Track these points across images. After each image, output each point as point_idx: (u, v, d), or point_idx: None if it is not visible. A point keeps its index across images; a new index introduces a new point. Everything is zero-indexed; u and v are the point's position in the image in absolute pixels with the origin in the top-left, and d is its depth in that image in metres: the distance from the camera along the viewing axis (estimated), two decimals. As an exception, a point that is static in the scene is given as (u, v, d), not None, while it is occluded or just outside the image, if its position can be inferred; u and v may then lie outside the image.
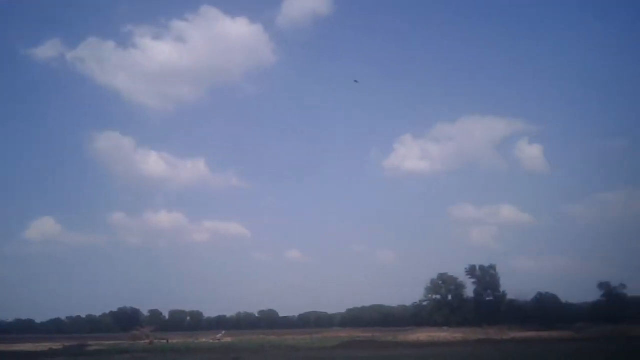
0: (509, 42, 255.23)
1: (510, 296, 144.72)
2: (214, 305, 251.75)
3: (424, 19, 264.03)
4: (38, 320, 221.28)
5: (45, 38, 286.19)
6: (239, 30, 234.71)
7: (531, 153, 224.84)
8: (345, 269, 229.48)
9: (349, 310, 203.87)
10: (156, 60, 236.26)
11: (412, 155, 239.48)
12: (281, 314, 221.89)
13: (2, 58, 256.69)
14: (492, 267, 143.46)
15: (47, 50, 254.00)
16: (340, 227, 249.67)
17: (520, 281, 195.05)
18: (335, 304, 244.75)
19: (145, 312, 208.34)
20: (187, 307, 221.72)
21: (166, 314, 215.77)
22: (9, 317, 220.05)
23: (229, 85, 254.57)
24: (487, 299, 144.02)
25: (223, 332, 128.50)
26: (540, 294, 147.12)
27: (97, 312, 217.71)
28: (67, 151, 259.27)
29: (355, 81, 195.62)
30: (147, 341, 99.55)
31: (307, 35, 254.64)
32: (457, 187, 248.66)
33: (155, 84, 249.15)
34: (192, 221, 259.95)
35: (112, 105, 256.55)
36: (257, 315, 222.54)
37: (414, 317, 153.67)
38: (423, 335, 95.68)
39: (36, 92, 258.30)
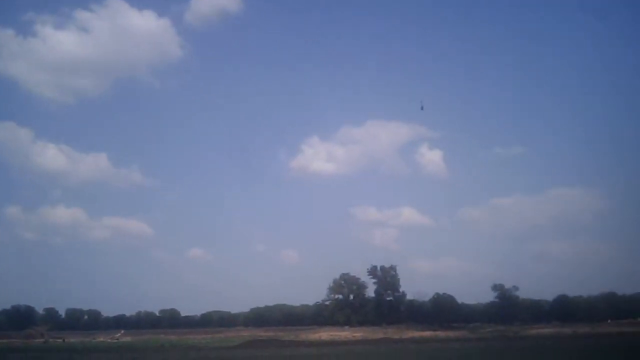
0: (413, 49, 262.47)
1: (409, 296, 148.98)
2: (113, 304, 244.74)
3: (334, 20, 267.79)
4: None
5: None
6: (145, 24, 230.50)
7: (431, 158, 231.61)
8: (249, 268, 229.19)
9: (253, 310, 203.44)
10: (57, 50, 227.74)
11: (318, 157, 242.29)
12: (183, 314, 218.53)
13: None
14: (393, 267, 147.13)
15: None
16: (244, 226, 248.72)
17: (419, 282, 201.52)
18: (238, 303, 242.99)
19: (40, 310, 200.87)
20: (85, 306, 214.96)
21: (62, 313, 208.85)
22: None
23: (133, 79, 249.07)
24: (388, 299, 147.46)
25: (122, 331, 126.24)
26: (438, 294, 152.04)
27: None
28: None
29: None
30: (42, 340, 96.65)
31: (215, 32, 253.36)
32: (361, 189, 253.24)
33: (56, 74, 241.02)
34: (92, 217, 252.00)
35: (8, 94, 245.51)
36: (157, 314, 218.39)
37: (316, 316, 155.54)
38: (325, 334, 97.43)
39: None
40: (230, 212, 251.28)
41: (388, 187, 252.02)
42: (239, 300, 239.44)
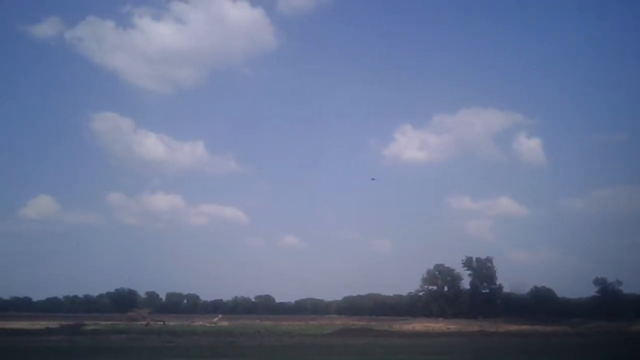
0: (511, 35, 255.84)
1: (506, 289, 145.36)
2: (211, 289, 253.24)
3: (427, 11, 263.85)
4: (35, 298, 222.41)
5: (44, 15, 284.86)
6: (239, 14, 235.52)
7: (529, 146, 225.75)
8: (342, 257, 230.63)
9: (345, 298, 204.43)
10: (155, 42, 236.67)
11: (411, 146, 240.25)
12: (277, 300, 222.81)
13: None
14: (489, 259, 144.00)
15: (45, 28, 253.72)
16: (336, 215, 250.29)
17: (516, 274, 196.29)
18: (331, 291, 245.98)
19: (142, 293, 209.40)
20: (184, 290, 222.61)
21: (163, 296, 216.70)
22: (6, 295, 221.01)
23: (229, 69, 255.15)
24: (483, 291, 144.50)
25: (219, 315, 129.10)
26: (536, 287, 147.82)
27: (95, 292, 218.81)
28: (66, 130, 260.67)
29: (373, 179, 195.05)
30: (144, 323, 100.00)
31: (309, 21, 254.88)
32: (455, 179, 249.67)
33: (155, 65, 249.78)
34: (190, 204, 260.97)
35: (111, 85, 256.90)
36: (253, 300, 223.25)
37: (410, 307, 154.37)
38: (418, 325, 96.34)
39: (34, 71, 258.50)
40: (323, 201, 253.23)
41: (483, 176, 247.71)
42: (331, 288, 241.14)
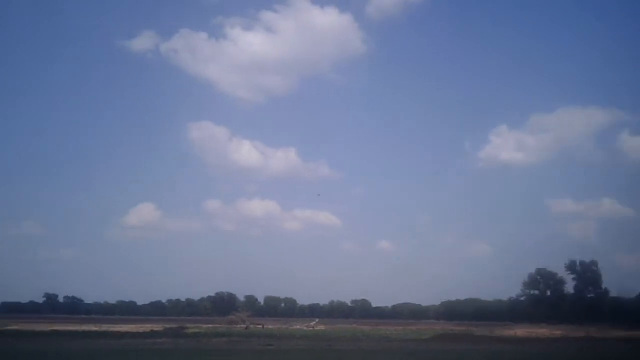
0: (611, 29, 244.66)
1: (612, 294, 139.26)
2: (308, 293, 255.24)
3: (519, 8, 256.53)
4: (140, 302, 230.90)
5: (140, 30, 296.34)
6: (328, 20, 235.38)
7: (634, 144, 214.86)
8: (438, 261, 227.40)
9: (443, 303, 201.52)
10: (247, 51, 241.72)
11: (507, 147, 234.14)
12: (374, 305, 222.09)
13: (100, 50, 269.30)
14: (594, 263, 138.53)
15: (142, 42, 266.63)
16: (431, 219, 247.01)
17: (623, 278, 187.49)
18: (428, 296, 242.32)
19: (241, 297, 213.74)
20: (282, 294, 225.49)
21: (261, 300, 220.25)
22: (113, 300, 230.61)
23: (318, 76, 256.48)
24: (589, 295, 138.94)
25: (316, 320, 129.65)
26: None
27: (196, 296, 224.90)
28: (165, 140, 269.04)
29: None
30: (243, 326, 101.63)
31: (398, 25, 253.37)
32: (555, 180, 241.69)
33: (247, 74, 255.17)
34: (285, 209, 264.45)
35: (206, 95, 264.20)
36: (350, 304, 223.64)
37: (511, 312, 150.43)
38: (521, 331, 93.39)
39: (133, 83, 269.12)
40: (417, 205, 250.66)
41: (585, 177, 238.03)
42: (428, 293, 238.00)
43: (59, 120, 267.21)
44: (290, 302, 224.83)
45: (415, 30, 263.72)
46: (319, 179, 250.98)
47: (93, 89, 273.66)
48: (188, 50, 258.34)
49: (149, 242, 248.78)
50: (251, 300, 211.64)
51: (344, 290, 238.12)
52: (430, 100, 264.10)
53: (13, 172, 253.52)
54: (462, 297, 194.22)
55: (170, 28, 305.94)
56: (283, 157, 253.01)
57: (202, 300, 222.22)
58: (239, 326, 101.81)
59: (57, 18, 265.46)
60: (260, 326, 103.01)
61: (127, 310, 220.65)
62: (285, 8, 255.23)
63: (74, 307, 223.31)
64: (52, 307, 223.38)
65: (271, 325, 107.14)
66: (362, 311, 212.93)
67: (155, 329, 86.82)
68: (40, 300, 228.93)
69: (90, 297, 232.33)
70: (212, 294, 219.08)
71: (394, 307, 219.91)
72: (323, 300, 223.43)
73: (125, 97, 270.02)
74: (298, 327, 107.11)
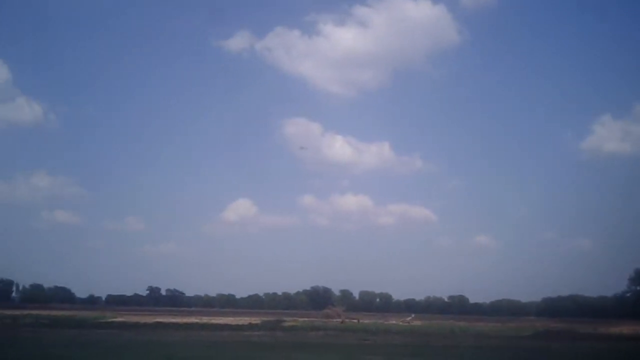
0: None
1: None
2: (403, 288, 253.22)
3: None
4: (238, 295, 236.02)
5: (235, 30, 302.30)
6: (422, 12, 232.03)
7: None
8: (538, 256, 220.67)
9: (544, 300, 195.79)
10: (340, 47, 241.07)
11: (612, 137, 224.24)
12: (472, 300, 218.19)
13: (196, 50, 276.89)
14: None
15: (237, 42, 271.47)
16: (531, 212, 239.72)
17: None
18: (528, 292, 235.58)
19: (336, 291, 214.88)
20: (377, 289, 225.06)
21: (356, 295, 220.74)
22: (213, 292, 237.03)
23: (411, 69, 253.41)
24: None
25: (412, 315, 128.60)
26: None
27: (292, 290, 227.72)
28: (261, 137, 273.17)
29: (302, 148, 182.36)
30: (339, 320, 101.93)
31: (493, 14, 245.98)
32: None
33: (340, 69, 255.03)
34: (378, 204, 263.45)
35: (299, 92, 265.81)
36: (446, 300, 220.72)
37: (615, 308, 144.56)
38: (627, 328, 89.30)
39: (229, 82, 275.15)
40: (515, 199, 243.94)
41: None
42: (528, 289, 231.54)
43: (158, 120, 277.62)
44: (385, 297, 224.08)
45: (511, 19, 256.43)
46: (412, 173, 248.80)
47: (190, 89, 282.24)
48: (282, 47, 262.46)
49: (246, 237, 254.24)
50: (346, 295, 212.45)
51: (440, 285, 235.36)
52: (527, 91, 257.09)
53: (117, 171, 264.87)
54: (564, 293, 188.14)
55: (264, 27, 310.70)
56: (376, 152, 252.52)
57: (298, 293, 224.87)
58: (334, 320, 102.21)
59: (155, 22, 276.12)
60: (356, 320, 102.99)
61: (225, 302, 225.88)
62: (377, 2, 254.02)
63: (176, 300, 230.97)
64: (154, 299, 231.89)
65: (366, 320, 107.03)
66: (458, 307, 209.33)
67: (253, 322, 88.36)
68: (144, 292, 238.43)
69: (190, 289, 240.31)
70: (308, 288, 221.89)
71: (492, 303, 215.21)
72: (418, 295, 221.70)
73: (222, 96, 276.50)
74: (394, 322, 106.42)
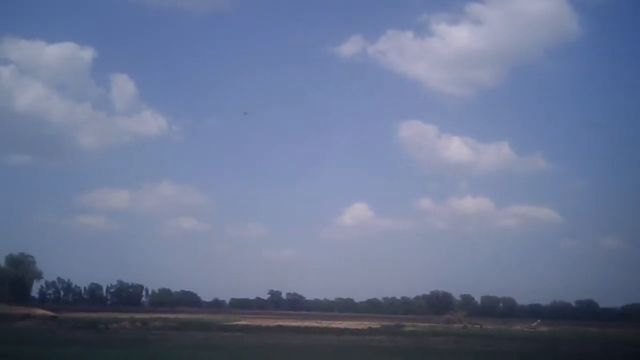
0: None
1: None
2: (527, 292, 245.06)
3: None
4: (357, 299, 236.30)
5: (348, 35, 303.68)
6: (539, 5, 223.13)
7: None
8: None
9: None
10: (454, 46, 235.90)
11: None
12: (601, 305, 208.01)
13: (310, 58, 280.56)
14: None
15: (350, 47, 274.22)
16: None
17: None
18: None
19: (456, 296, 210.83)
20: (499, 294, 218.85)
21: (478, 299, 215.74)
22: (331, 297, 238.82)
23: (530, 64, 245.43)
24: None
25: (538, 320, 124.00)
26: None
27: (411, 295, 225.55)
28: (375, 141, 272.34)
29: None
30: (460, 325, 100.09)
31: (618, 3, 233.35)
32: None
33: (454, 69, 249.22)
34: (499, 206, 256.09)
35: (413, 93, 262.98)
36: (574, 304, 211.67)
37: None
38: None
39: (342, 88, 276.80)
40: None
41: None
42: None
43: (276, 128, 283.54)
44: (509, 302, 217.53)
45: (637, 10, 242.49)
46: (535, 173, 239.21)
47: (305, 97, 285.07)
48: (395, 50, 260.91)
49: (363, 241, 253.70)
50: (467, 299, 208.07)
51: (567, 289, 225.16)
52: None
53: (238, 178, 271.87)
54: None
55: (376, 30, 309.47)
56: (495, 152, 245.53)
57: (417, 298, 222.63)
58: (455, 325, 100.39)
59: (269, 32, 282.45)
60: (478, 326, 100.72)
61: (344, 307, 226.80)
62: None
63: (296, 304, 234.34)
64: (275, 303, 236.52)
65: (489, 326, 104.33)
66: (587, 312, 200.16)
67: (373, 326, 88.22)
68: (265, 296, 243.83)
69: (310, 294, 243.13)
70: (427, 293, 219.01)
71: (623, 307, 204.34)
72: (544, 300, 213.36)
73: (336, 102, 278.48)
74: (518, 327, 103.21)
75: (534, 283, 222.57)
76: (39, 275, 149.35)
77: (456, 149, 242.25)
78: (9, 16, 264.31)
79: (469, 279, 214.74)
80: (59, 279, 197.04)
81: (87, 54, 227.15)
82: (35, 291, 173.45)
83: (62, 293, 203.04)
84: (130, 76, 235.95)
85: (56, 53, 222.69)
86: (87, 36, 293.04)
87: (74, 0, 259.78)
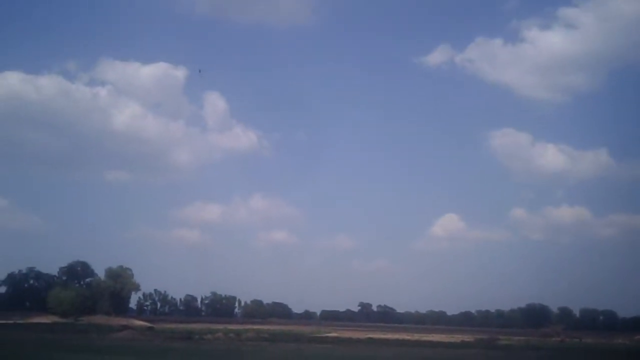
0: None
1: None
2: (629, 304, 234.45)
3: None
4: (449, 312, 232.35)
5: (434, 45, 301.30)
6: (633, 6, 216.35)
7: None
8: None
9: None
10: (546, 51, 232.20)
11: None
12: None
13: (397, 68, 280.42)
14: None
15: (437, 56, 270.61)
16: None
17: None
18: None
19: (554, 309, 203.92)
20: (600, 306, 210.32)
21: (577, 312, 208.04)
22: (423, 309, 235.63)
23: (629, 67, 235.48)
24: None
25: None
26: None
27: (505, 307, 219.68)
28: (466, 150, 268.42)
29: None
30: (558, 339, 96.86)
31: None
32: None
33: (547, 75, 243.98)
34: (598, 215, 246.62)
35: (504, 101, 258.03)
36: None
37: None
38: None
39: (431, 97, 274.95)
40: None
41: None
42: None
43: (364, 139, 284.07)
44: (610, 315, 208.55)
45: None
46: (637, 179, 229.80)
47: (394, 107, 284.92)
48: (484, 58, 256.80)
49: (455, 253, 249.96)
50: (565, 312, 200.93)
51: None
52: None
53: (326, 190, 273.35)
54: None
55: (464, 38, 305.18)
56: (593, 159, 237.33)
57: (512, 311, 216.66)
58: (553, 339, 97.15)
59: (356, 43, 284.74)
60: (577, 339, 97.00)
61: (436, 319, 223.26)
62: (585, 1, 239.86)
63: (386, 316, 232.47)
64: (366, 315, 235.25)
65: (589, 339, 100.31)
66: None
67: (466, 340, 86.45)
68: (356, 308, 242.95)
69: (401, 306, 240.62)
70: (523, 305, 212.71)
71: None
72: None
73: (426, 111, 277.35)
74: (620, 341, 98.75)
75: (637, 294, 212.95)
76: (137, 288, 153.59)
77: (551, 156, 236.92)
78: (105, 39, 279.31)
79: (567, 291, 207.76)
80: (155, 290, 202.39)
81: (180, 73, 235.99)
82: (133, 303, 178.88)
83: (158, 305, 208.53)
84: (222, 94, 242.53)
85: (151, 73, 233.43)
86: (179, 56, 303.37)
87: (167, 22, 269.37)
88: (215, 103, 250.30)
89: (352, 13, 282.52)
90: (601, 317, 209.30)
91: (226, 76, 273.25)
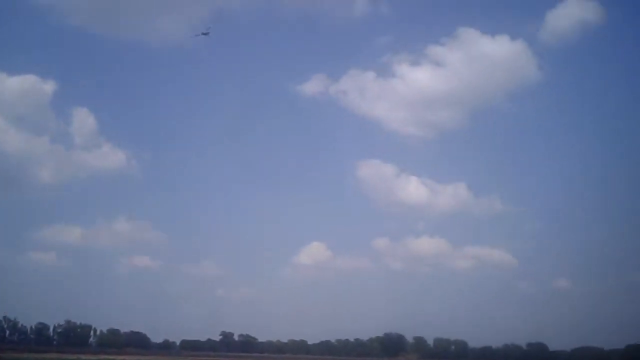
0: None
1: None
2: (479, 334, 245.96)
3: None
4: (310, 341, 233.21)
5: (311, 74, 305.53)
6: (499, 49, 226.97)
7: None
8: (624, 301, 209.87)
9: (629, 347, 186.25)
10: (415, 87, 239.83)
11: None
12: (551, 348, 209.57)
13: (273, 95, 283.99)
14: None
15: (313, 86, 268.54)
16: (618, 254, 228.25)
17: None
18: (611, 339, 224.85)
19: (409, 338, 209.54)
20: (452, 336, 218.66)
21: (430, 342, 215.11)
22: (285, 338, 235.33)
23: (490, 107, 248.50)
24: None
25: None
26: None
27: (364, 336, 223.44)
28: (335, 180, 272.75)
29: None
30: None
31: (576, 50, 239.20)
32: None
33: (416, 110, 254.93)
34: (455, 247, 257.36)
35: (373, 133, 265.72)
36: (525, 347, 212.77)
37: None
38: None
39: (304, 125, 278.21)
40: (600, 240, 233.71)
41: None
42: (611, 336, 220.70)
43: (235, 165, 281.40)
44: (461, 344, 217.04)
45: (595, 55, 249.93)
46: (491, 214, 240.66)
47: (267, 134, 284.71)
48: (356, 90, 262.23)
49: (320, 281, 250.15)
50: (420, 342, 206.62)
51: (518, 332, 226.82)
52: (614, 131, 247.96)
53: (194, 215, 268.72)
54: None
55: (339, 70, 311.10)
56: (452, 193, 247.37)
57: (370, 340, 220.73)
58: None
59: (232, 69, 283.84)
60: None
61: (297, 349, 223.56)
62: (452, 40, 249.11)
63: (248, 345, 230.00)
64: (227, 344, 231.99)
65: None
66: (538, 355, 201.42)
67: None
68: (217, 338, 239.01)
69: (263, 335, 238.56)
70: (381, 334, 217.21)
71: (573, 351, 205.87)
72: (496, 342, 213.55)
73: (297, 140, 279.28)
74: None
75: (487, 325, 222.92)
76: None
77: (414, 189, 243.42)
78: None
79: (423, 320, 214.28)
80: (5, 317, 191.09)
81: (48, 87, 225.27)
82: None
83: (7, 332, 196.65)
84: (91, 110, 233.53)
85: (16, 85, 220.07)
86: (48, 69, 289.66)
87: (37, 33, 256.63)
88: (83, 119, 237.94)
89: (231, 37, 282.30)
90: (453, 347, 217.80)
91: (97, 92, 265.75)
